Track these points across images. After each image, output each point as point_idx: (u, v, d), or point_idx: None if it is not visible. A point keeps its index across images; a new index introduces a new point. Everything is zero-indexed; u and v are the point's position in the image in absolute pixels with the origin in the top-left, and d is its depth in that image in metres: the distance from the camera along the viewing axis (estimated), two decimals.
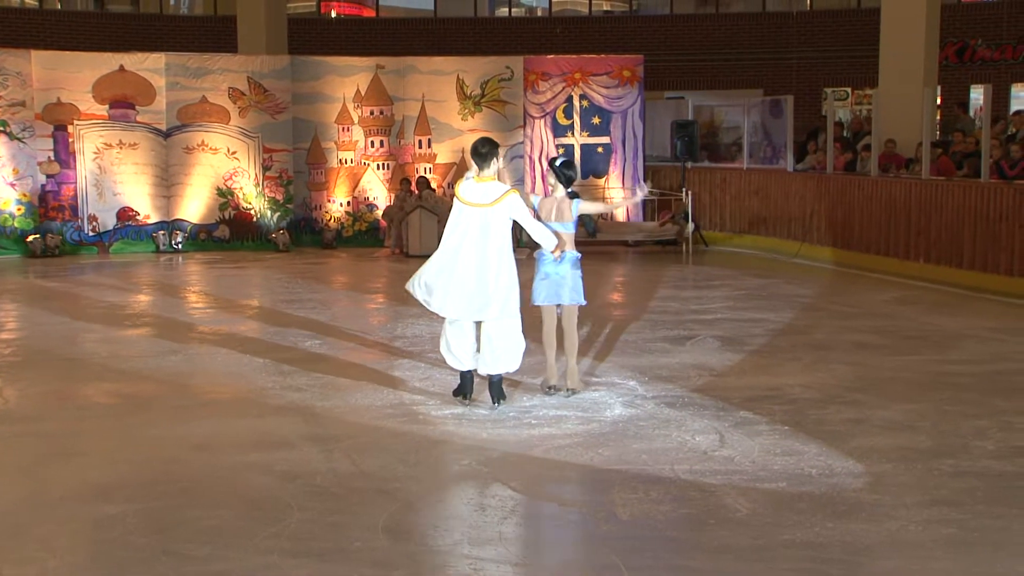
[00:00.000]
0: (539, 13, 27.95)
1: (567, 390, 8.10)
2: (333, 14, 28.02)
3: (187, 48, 20.84)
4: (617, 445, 6.95)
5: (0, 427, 7.53)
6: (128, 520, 5.66)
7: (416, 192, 17.72)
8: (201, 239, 18.17)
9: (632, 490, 6.07)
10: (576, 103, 18.90)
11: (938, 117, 19.43)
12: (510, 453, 6.82)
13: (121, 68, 17.84)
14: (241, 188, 18.25)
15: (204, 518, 5.69)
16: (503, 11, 27.84)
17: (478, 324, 7.74)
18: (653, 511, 5.79)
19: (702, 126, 19.54)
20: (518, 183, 18.57)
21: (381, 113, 18.66)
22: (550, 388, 8.15)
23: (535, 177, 18.77)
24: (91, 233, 17.77)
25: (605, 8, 28.18)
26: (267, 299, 13.15)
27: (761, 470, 6.40)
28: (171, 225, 18.01)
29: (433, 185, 18.16)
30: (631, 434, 7.20)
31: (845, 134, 19.45)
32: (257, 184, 18.28)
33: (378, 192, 18.71)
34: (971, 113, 20.69)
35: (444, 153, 18.70)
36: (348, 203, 18.58)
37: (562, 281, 7.90)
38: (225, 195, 18.23)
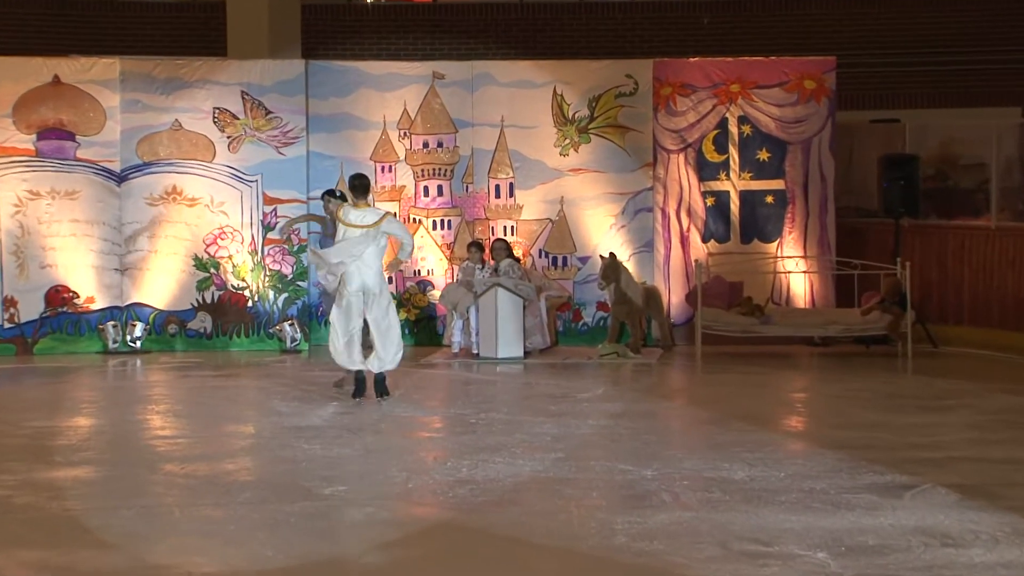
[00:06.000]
0: None
1: None
2: None
3: (153, 51, 21.28)
4: None
5: None
6: None
7: (491, 262, 17.74)
8: (170, 333, 18.40)
9: None
10: (733, 129, 18.92)
11: None
12: None
13: (55, 80, 18.24)
14: (231, 257, 18.45)
15: None
16: None
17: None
18: None
19: (926, 163, 19.45)
20: (643, 249, 18.52)
21: (439, 145, 18.83)
22: None
23: (669, 239, 18.68)
24: (8, 324, 18.06)
25: None
26: (267, 424, 13.25)
27: None
28: (125, 312, 18.26)
29: (517, 253, 18.17)
30: None
31: None
32: (254, 251, 18.48)
33: (434, 262, 18.81)
34: None
35: (533, 205, 18.75)
36: (390, 280, 18.64)
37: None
38: (207, 268, 18.45)
